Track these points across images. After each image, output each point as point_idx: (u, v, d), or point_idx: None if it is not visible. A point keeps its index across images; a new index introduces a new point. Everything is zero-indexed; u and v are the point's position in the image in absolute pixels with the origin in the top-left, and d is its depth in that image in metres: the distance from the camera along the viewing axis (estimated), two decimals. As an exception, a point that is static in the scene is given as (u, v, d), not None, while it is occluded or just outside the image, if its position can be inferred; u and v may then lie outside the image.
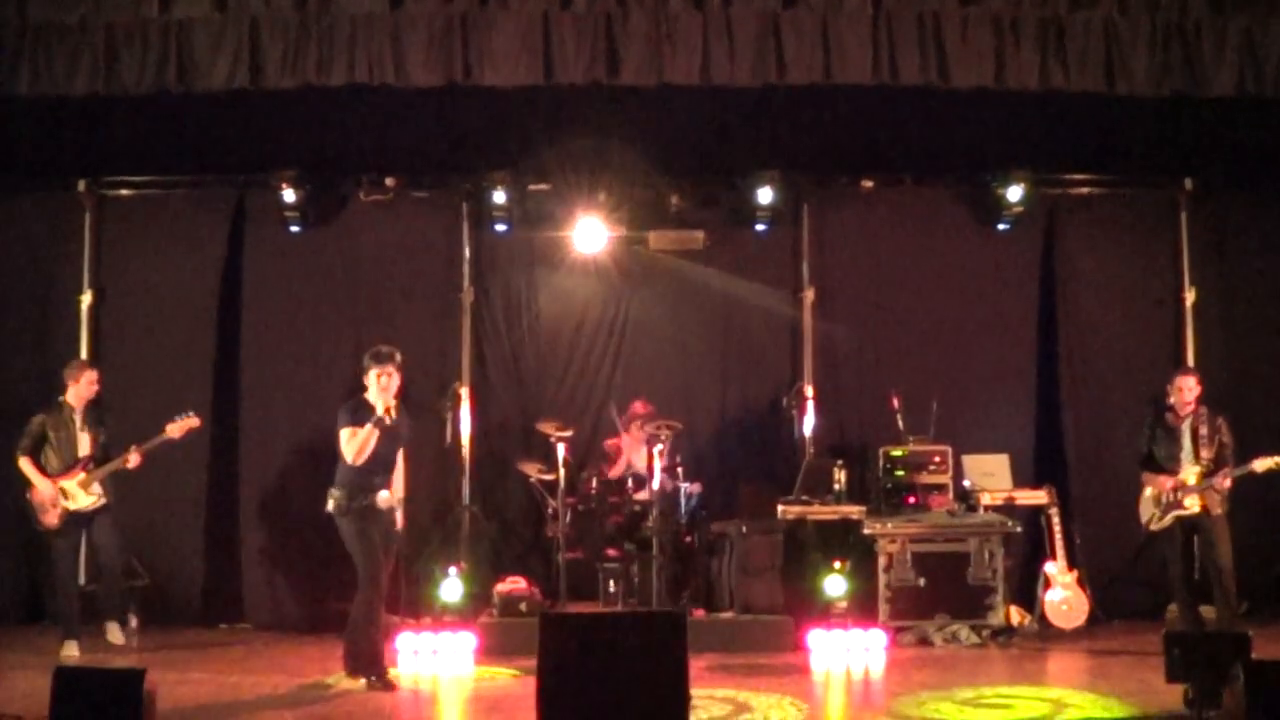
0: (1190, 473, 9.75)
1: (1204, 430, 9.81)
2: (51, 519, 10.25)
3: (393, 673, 9.01)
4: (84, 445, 10.37)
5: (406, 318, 12.23)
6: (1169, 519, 9.86)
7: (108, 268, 12.18)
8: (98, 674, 7.23)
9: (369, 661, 8.82)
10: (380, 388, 8.87)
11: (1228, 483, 9.67)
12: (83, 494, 10.25)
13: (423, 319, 12.30)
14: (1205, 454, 9.75)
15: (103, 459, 10.37)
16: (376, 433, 8.78)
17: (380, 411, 8.81)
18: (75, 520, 10.29)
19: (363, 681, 8.78)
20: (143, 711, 6.47)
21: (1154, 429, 10.08)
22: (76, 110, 10.25)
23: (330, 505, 8.87)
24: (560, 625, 6.77)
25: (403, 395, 9.24)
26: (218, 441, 11.94)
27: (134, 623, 11.22)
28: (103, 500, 10.35)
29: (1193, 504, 9.74)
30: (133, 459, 10.31)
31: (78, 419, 10.42)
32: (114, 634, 10.40)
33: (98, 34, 9.56)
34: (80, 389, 10.47)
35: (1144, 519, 10.11)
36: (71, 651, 10.00)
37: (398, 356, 9.00)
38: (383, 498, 8.90)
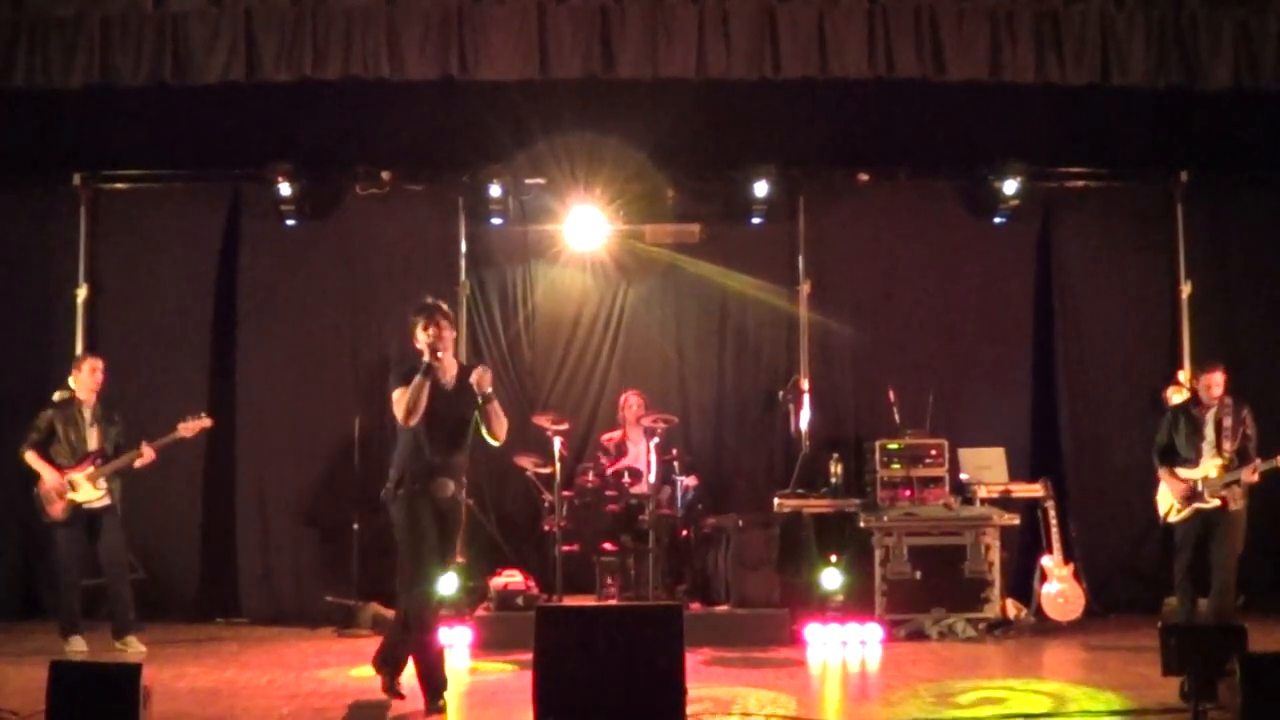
0: (1211, 465, 9.73)
1: (1227, 421, 9.78)
2: (57, 511, 10.17)
3: (401, 685, 7.95)
4: (93, 440, 10.31)
5: (402, 311, 12.03)
6: (1189, 511, 9.84)
7: (103, 261, 12.16)
8: (94, 669, 7.22)
9: (384, 661, 7.96)
10: (428, 340, 7.68)
11: (1256, 476, 9.66)
12: (89, 488, 10.21)
13: (419, 312, 12.27)
14: (1228, 446, 9.72)
15: (112, 455, 10.34)
16: (426, 384, 7.58)
17: (426, 356, 7.62)
18: (80, 516, 10.23)
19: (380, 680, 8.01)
20: (139, 707, 6.47)
21: (1176, 419, 10.04)
22: (72, 103, 10.23)
23: (383, 491, 8.00)
24: (556, 619, 6.77)
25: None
26: (213, 435, 11.84)
27: (130, 617, 11.23)
28: (107, 500, 10.28)
29: (1214, 496, 9.72)
30: (146, 454, 10.25)
31: (88, 414, 10.36)
32: (135, 646, 10.21)
33: (93, 27, 9.55)
34: (84, 378, 10.38)
35: (1162, 510, 10.09)
36: (79, 647, 9.99)
37: (445, 307, 7.93)
38: (440, 484, 7.74)
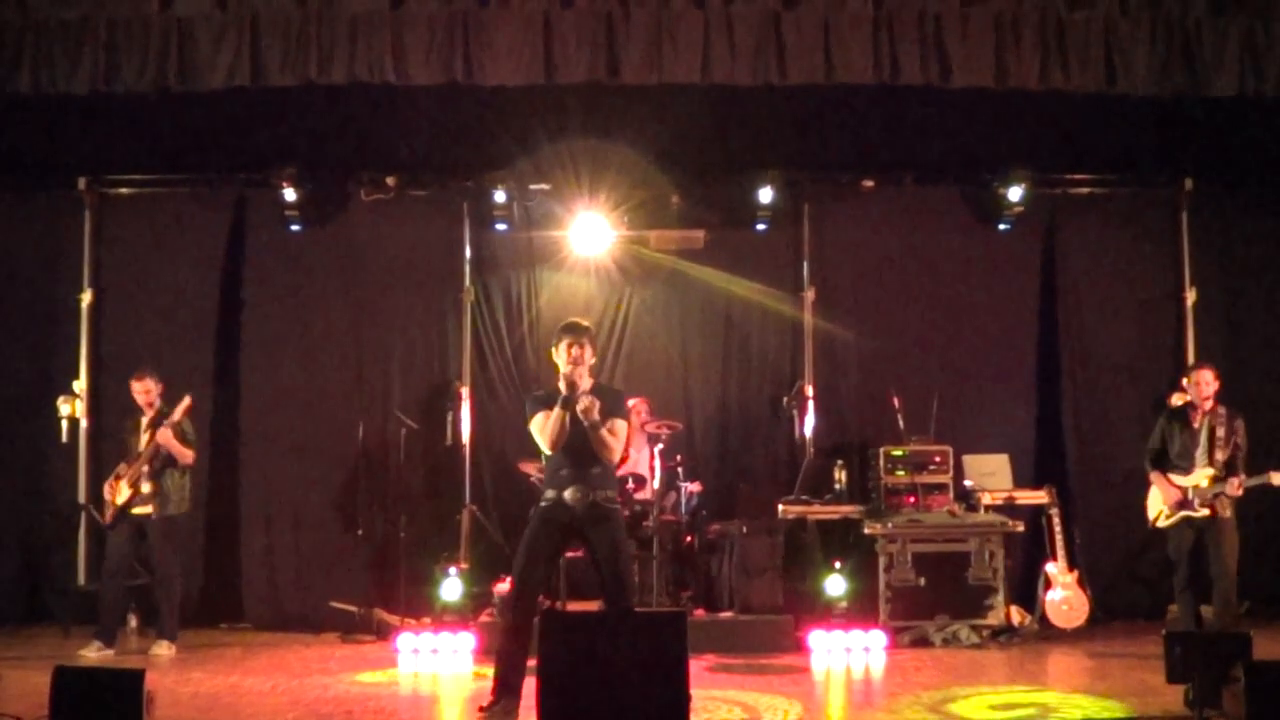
0: (1202, 475, 9.71)
1: (1220, 431, 9.74)
2: (106, 517, 10.39)
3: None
4: (144, 446, 10.37)
5: (407, 317, 12.24)
6: (1177, 518, 9.82)
7: (108, 266, 12.18)
8: (97, 674, 7.24)
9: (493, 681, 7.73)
10: (569, 360, 7.69)
11: (1239, 491, 9.64)
12: (126, 490, 10.27)
13: (423, 318, 12.30)
14: (1219, 455, 9.70)
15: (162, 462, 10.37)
16: (566, 415, 7.60)
17: (564, 388, 7.59)
18: (125, 520, 10.31)
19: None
20: (142, 712, 6.47)
21: (1169, 426, 10.02)
22: (77, 108, 10.22)
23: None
24: (561, 624, 6.77)
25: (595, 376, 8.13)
26: (217, 440, 11.94)
27: (134, 622, 11.24)
28: (149, 508, 10.29)
29: (1202, 505, 9.70)
30: (162, 435, 10.23)
31: (144, 421, 10.46)
32: (160, 649, 10.29)
33: (99, 31, 9.54)
34: (136, 396, 10.54)
35: (1151, 516, 10.07)
36: (90, 653, 9.99)
37: (590, 329, 7.98)
38: (571, 494, 7.64)
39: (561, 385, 7.60)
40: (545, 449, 7.73)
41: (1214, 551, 9.78)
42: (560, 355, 7.72)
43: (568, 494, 7.64)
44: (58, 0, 9.55)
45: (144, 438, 10.41)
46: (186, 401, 10.41)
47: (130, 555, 10.44)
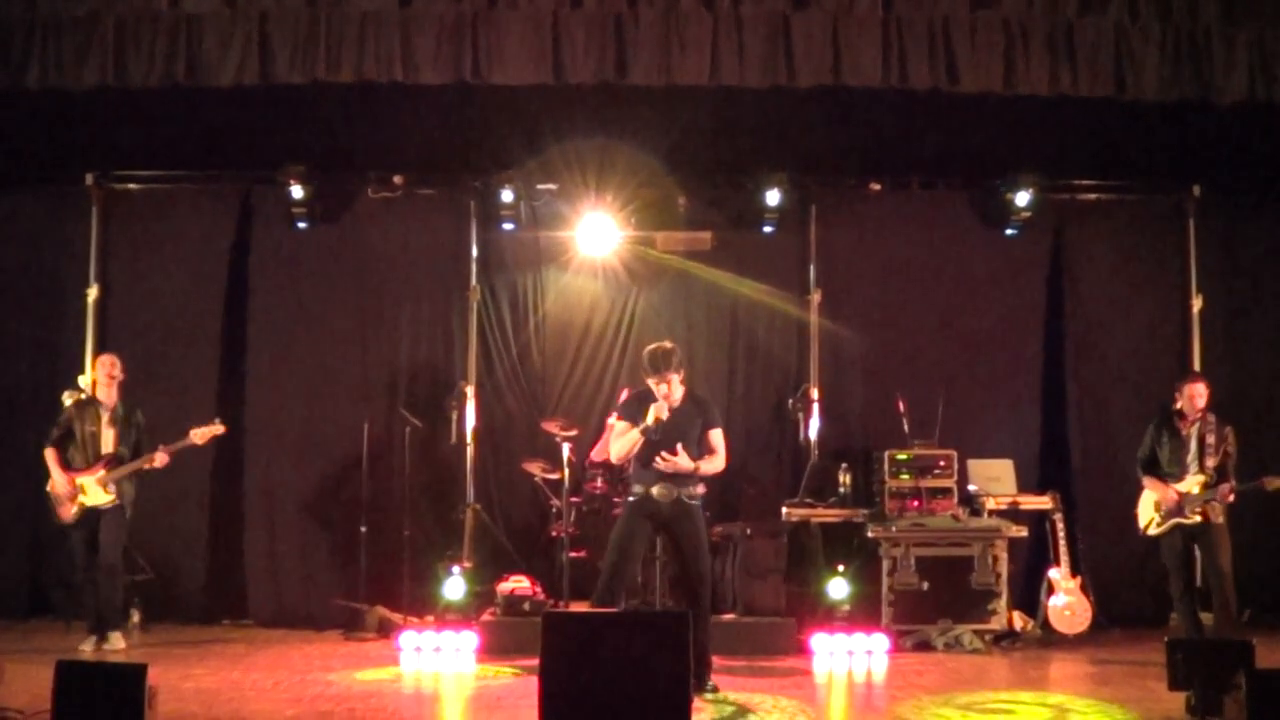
0: (1193, 482, 9.71)
1: (1211, 439, 9.75)
2: (66, 514, 10.23)
3: None
4: (108, 442, 10.30)
5: (413, 315, 12.23)
6: (1169, 525, 9.82)
7: (114, 262, 12.18)
8: (100, 669, 7.24)
9: None
10: (662, 397, 8.41)
11: (1231, 497, 9.64)
12: (100, 492, 10.18)
13: (429, 317, 12.29)
14: (1210, 463, 9.70)
15: (128, 458, 10.30)
16: (641, 441, 8.37)
17: (650, 420, 8.28)
18: (90, 516, 10.23)
19: None
20: (144, 707, 6.48)
21: (1159, 433, 10.02)
22: (85, 104, 10.22)
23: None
24: (563, 624, 6.76)
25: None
26: (222, 437, 11.91)
27: (137, 618, 11.22)
28: (115, 500, 10.24)
29: (1194, 512, 9.70)
30: (159, 458, 10.23)
31: (105, 415, 10.36)
32: (116, 641, 10.22)
33: (107, 28, 9.56)
34: (99, 377, 10.46)
35: (1142, 523, 10.07)
36: (88, 648, 9.98)
37: (670, 353, 8.45)
38: (663, 489, 8.38)
39: (650, 419, 8.28)
40: (611, 457, 8.65)
41: (1208, 557, 9.80)
42: (656, 391, 8.38)
43: (655, 490, 8.37)
44: (67, -4, 9.58)
45: (106, 434, 10.30)
46: (219, 427, 10.54)
47: (93, 550, 10.30)
